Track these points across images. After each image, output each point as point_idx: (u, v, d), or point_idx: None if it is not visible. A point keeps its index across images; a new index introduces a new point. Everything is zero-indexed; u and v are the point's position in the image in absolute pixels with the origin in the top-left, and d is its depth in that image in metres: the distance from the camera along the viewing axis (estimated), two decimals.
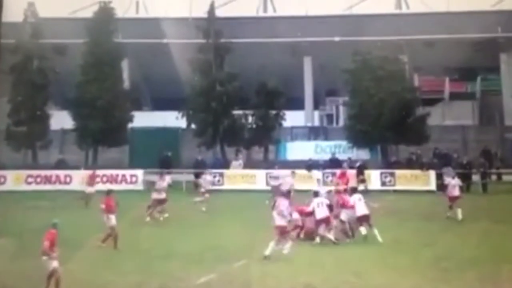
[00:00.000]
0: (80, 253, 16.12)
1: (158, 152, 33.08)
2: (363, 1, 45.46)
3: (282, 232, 15.80)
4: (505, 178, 33.13)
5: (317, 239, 17.44)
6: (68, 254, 15.67)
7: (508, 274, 13.60)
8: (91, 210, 19.20)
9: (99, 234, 17.18)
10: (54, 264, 12.36)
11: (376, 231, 17.46)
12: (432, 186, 30.62)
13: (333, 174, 29.88)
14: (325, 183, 29.06)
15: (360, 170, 29.95)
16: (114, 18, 37.86)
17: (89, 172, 28.03)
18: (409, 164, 31.94)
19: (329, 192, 19.47)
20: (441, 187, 28.12)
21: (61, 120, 36.73)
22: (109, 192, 18.04)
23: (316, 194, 18.19)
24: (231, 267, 14.72)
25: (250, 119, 36.16)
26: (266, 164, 33.62)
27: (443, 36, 41.66)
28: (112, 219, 17.07)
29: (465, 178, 31.42)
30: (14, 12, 37.00)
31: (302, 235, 18.04)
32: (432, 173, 31.06)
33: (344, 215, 18.12)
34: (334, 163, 32.47)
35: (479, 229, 19.75)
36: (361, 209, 18.01)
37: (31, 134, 35.70)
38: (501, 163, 34.62)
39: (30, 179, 32.26)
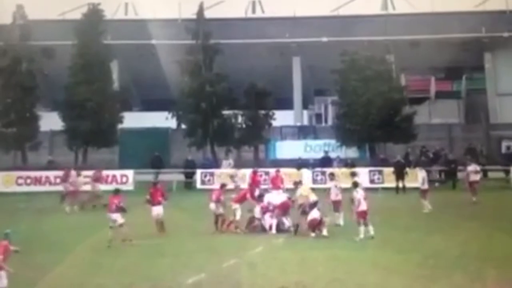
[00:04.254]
0: (69, 256, 16.21)
1: (149, 153, 33.27)
2: (350, 2, 45.74)
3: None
4: (490, 175, 33.73)
5: (312, 234, 18.08)
6: (58, 257, 15.95)
7: (493, 272, 13.71)
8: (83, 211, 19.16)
9: (91, 236, 17.35)
10: (4, 281, 11.60)
11: (371, 229, 17.76)
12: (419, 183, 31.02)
13: (323, 173, 30.18)
14: (314, 181, 29.64)
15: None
16: (103, 20, 37.83)
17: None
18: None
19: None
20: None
21: (50, 121, 36.65)
22: (116, 191, 18.49)
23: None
24: (221, 267, 14.76)
25: (239, 119, 36.38)
26: (257, 163, 33.92)
27: (428, 36, 42.14)
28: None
29: (451, 175, 32.12)
30: (3, 14, 37.21)
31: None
32: (420, 171, 31.53)
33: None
34: (325, 161, 32.83)
35: (467, 226, 20.00)
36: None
37: (21, 135, 35.65)
38: (486, 160, 35.18)
39: (20, 181, 32.43)
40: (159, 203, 18.84)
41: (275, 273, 14.23)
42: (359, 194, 17.93)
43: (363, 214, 17.76)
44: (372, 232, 17.57)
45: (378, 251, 16.20)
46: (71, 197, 25.71)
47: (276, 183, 23.97)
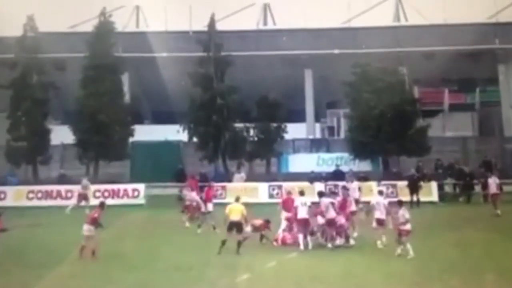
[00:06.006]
0: (78, 268, 16.03)
1: (160, 166, 33.01)
2: (362, 14, 45.67)
3: None
4: (505, 188, 33.16)
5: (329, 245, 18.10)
6: (69, 269, 15.84)
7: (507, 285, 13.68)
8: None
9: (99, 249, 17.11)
10: None
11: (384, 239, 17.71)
12: (434, 197, 30.76)
13: (336, 186, 29.76)
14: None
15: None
16: (114, 32, 37.85)
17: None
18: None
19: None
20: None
21: (61, 134, 36.48)
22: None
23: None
24: (234, 281, 14.57)
25: (251, 132, 36.14)
26: (269, 176, 33.56)
27: (441, 48, 41.85)
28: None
29: (467, 188, 31.70)
30: (14, 26, 37.27)
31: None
32: (434, 184, 31.28)
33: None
34: (337, 175, 32.46)
35: (481, 239, 19.71)
36: (378, 213, 18.83)
37: (31, 149, 35.48)
38: (501, 173, 34.66)
39: (31, 195, 32.03)
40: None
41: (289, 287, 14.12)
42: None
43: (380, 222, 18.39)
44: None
45: (392, 263, 16.06)
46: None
47: (288, 206, 20.57)
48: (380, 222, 18.96)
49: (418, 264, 15.97)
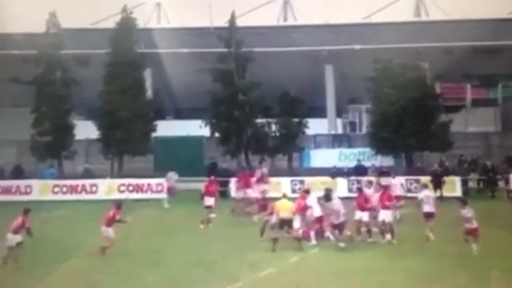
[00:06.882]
0: (102, 262, 16.35)
1: (183, 161, 33.30)
2: (382, 9, 45.58)
3: None
4: None
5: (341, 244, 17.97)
6: (91, 264, 16.16)
7: None
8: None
9: (121, 244, 17.34)
10: None
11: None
12: (458, 192, 30.62)
13: (358, 181, 29.83)
14: (350, 190, 29.29)
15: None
16: (136, 29, 38.04)
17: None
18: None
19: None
20: None
21: (86, 130, 36.75)
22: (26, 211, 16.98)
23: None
24: (258, 276, 14.77)
25: (273, 127, 36.19)
26: (291, 171, 33.62)
27: (462, 43, 41.53)
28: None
29: (491, 184, 31.56)
30: (36, 23, 37.67)
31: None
32: (457, 180, 31.14)
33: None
34: (359, 170, 32.47)
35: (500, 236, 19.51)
36: (427, 207, 19.09)
37: (56, 144, 35.78)
38: None
39: (56, 189, 32.38)
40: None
41: (312, 283, 14.25)
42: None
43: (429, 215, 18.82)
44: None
45: (412, 261, 16.13)
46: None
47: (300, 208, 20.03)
48: (429, 215, 19.03)
49: (434, 260, 16.09)
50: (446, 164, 32.73)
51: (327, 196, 19.01)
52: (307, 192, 20.10)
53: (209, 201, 23.15)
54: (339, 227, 18.22)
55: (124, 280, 14.77)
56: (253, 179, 27.43)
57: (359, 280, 14.42)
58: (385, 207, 19.05)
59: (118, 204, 18.11)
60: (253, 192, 26.08)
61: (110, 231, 17.31)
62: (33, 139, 36.09)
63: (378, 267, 15.64)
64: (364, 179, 28.83)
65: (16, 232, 16.16)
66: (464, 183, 31.47)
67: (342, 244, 17.82)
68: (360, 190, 21.09)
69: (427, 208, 19.12)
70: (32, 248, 16.78)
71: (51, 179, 33.44)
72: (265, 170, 29.75)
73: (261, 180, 27.48)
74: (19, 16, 41.74)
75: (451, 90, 42.37)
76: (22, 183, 32.65)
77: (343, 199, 20.00)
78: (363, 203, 19.42)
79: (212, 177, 25.07)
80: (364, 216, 19.25)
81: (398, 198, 22.31)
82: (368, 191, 20.90)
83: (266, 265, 15.78)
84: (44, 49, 36.79)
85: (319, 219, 18.91)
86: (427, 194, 19.74)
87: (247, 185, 26.93)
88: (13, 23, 40.17)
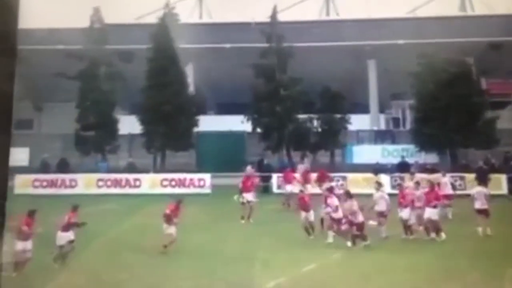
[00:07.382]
0: (143, 257, 16.46)
1: (225, 156, 33.45)
2: (427, 3, 44.78)
3: None
4: None
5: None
6: (132, 258, 16.31)
7: None
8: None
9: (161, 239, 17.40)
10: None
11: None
12: (504, 190, 29.99)
13: (401, 178, 29.43)
14: (393, 187, 28.87)
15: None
16: (178, 24, 38.26)
17: None
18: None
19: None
20: None
21: (129, 124, 37.21)
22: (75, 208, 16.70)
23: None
24: (300, 271, 14.72)
25: (315, 123, 36.04)
26: (333, 167, 33.42)
27: (508, 38, 40.52)
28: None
29: None
30: (81, 18, 38.22)
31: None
32: (503, 177, 30.48)
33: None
34: (403, 166, 32.05)
35: None
36: (479, 203, 18.87)
37: (100, 138, 36.35)
38: None
39: (100, 183, 32.73)
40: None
41: (354, 279, 14.23)
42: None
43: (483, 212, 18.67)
44: None
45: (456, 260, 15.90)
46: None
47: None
48: (481, 212, 18.68)
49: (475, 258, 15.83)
50: (492, 161, 32.06)
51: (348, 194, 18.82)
52: (348, 194, 19.09)
53: (248, 196, 23.27)
54: (358, 226, 17.89)
55: (166, 272, 14.92)
56: (296, 175, 27.33)
57: (402, 277, 14.28)
58: (431, 205, 18.69)
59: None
60: (295, 188, 25.93)
61: (171, 229, 17.12)
62: (77, 134, 36.77)
63: (423, 264, 15.46)
64: (407, 175, 28.30)
65: (66, 230, 15.77)
66: (510, 180, 30.75)
67: (349, 244, 17.63)
68: (400, 186, 20.83)
69: (478, 204, 18.75)
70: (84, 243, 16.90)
71: (104, 173, 33.85)
72: (306, 165, 29.64)
73: (306, 176, 27.20)
74: (64, 11, 42.45)
75: (498, 86, 41.43)
76: (67, 177, 33.09)
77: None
78: (401, 200, 19.19)
79: (250, 172, 25.06)
80: (404, 213, 18.92)
81: (448, 196, 21.93)
82: (408, 189, 20.50)
83: (309, 260, 15.75)
84: (88, 44, 37.30)
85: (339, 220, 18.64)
86: (479, 190, 19.33)
87: (289, 180, 26.89)
88: (57, 18, 40.82)
